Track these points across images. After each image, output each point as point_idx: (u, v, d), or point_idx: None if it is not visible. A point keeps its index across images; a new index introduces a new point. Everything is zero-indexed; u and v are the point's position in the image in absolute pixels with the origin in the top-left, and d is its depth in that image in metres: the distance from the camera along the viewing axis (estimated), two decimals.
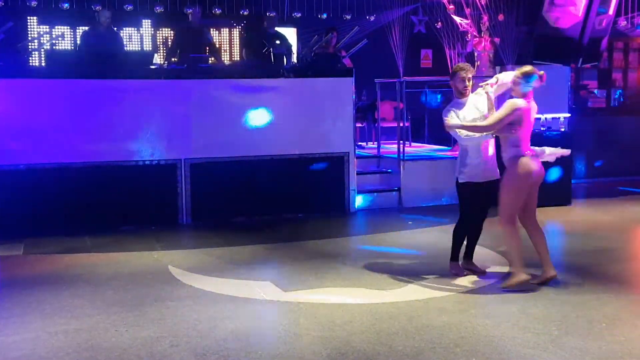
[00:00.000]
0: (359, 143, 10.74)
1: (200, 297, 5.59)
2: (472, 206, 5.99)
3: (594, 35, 9.48)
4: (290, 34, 11.88)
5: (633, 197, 10.35)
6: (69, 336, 4.70)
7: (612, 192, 10.77)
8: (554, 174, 9.40)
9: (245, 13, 11.69)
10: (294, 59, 10.16)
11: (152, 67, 9.07)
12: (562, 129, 9.80)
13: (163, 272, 6.33)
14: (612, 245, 7.24)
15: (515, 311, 5.18)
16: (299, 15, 12.07)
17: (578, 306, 5.25)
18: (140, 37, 11.79)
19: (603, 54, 10.72)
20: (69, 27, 11.45)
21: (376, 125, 11.09)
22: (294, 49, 10.66)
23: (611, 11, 10.30)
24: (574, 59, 9.34)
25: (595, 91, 13.19)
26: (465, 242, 6.16)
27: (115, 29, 9.79)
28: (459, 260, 6.14)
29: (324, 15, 12.06)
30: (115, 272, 6.33)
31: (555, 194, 9.45)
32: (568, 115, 9.96)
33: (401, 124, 9.86)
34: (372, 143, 11.38)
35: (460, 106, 5.92)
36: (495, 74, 10.41)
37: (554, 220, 8.63)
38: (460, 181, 5.99)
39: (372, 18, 12.08)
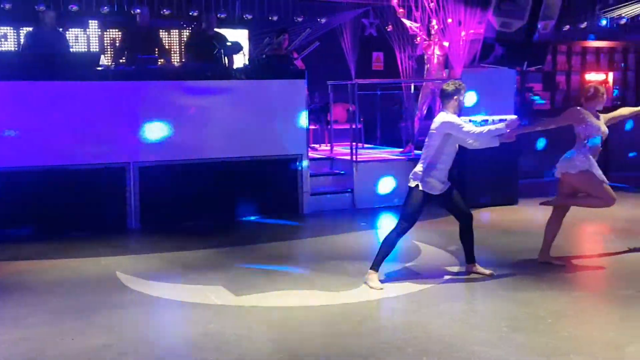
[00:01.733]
0: (312, 145, 10.75)
1: (150, 303, 5.50)
2: (417, 215, 5.87)
3: (538, 39, 9.68)
4: (241, 35, 11.83)
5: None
6: (13, 345, 4.56)
7: (557, 191, 10.99)
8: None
9: (195, 14, 11.57)
10: (246, 60, 10.11)
11: (99, 68, 8.90)
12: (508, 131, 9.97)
13: (111, 278, 6.21)
14: (556, 242, 7.39)
15: (464, 309, 5.25)
16: (250, 17, 12.02)
17: (525, 303, 5.35)
18: (86, 38, 11.57)
19: (547, 58, 10.97)
20: (11, 28, 11.16)
21: (329, 127, 11.12)
22: (246, 50, 10.60)
23: (555, 16, 10.56)
24: (519, 62, 9.52)
25: (537, 97, 13.47)
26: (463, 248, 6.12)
27: (60, 29, 9.59)
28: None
29: (275, 17, 12.03)
30: (61, 279, 6.18)
31: (502, 193, 9.64)
32: (514, 117, 10.14)
33: (354, 126, 9.90)
34: (325, 145, 11.40)
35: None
36: (445, 77, 10.64)
37: (501, 220, 8.78)
38: (420, 189, 5.80)
39: (324, 20, 12.11)
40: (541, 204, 6.79)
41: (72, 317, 5.14)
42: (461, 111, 6.03)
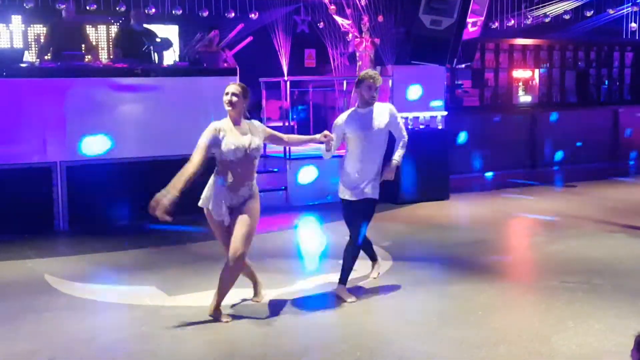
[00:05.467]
0: None
1: (80, 306, 5.37)
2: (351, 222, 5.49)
3: (467, 37, 9.89)
4: (171, 31, 11.64)
5: (507, 191, 10.92)
6: None
7: (486, 186, 11.32)
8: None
9: (122, 9, 11.32)
10: (176, 57, 9.95)
11: (24, 65, 8.60)
12: (440, 127, 10.19)
13: (38, 281, 6.01)
14: (486, 237, 7.60)
15: (397, 305, 5.33)
16: (179, 12, 11.83)
17: (455, 297, 5.47)
18: (9, 34, 11.18)
19: (476, 55, 11.22)
20: None
21: None
22: (176, 47, 10.43)
23: (484, 14, 10.81)
24: (449, 59, 9.71)
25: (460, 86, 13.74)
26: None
27: None
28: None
29: (206, 13, 11.88)
30: None
31: (433, 189, 9.82)
32: (445, 113, 10.36)
33: (286, 124, 9.89)
34: None
35: (358, 117, 5.37)
36: None
37: (432, 215, 8.95)
38: (376, 197, 5.43)
39: (255, 16, 12.03)
40: None
41: None
42: (366, 104, 5.36)
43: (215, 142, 4.84)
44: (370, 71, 5.57)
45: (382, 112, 5.42)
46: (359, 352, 4.37)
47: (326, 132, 5.32)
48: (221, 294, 4.95)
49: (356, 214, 5.38)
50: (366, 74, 5.43)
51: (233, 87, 4.94)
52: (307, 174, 9.73)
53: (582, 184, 11.19)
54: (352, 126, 5.38)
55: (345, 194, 5.41)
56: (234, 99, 4.87)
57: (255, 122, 5.07)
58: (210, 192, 4.93)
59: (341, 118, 5.46)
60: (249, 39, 10.13)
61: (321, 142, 5.37)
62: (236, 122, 4.91)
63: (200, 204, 5.00)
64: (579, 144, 13.43)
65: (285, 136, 5.46)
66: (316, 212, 9.07)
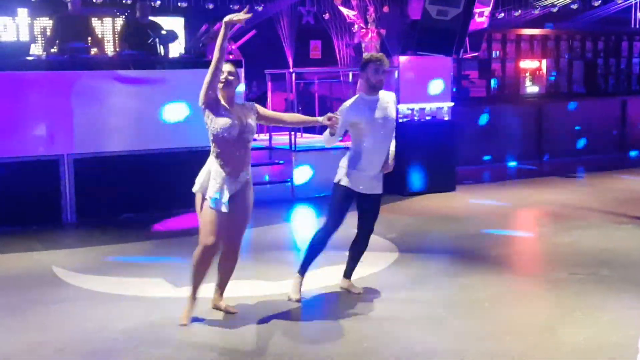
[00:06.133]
0: None
1: (88, 297, 5.39)
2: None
3: (474, 27, 9.86)
4: (177, 24, 11.63)
5: (514, 182, 10.89)
6: None
7: (493, 177, 11.28)
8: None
9: (129, 2, 11.32)
10: (182, 49, 9.94)
11: (30, 58, 8.61)
12: (446, 118, 10.15)
13: (46, 273, 6.04)
14: (493, 228, 7.58)
15: (403, 296, 5.33)
16: (185, 4, 11.82)
17: (462, 288, 5.47)
18: (16, 27, 11.18)
19: (482, 45, 11.19)
20: None
21: None
22: (182, 39, 10.43)
23: (490, 4, 10.77)
24: (455, 50, 9.68)
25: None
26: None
27: None
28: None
29: (211, 5, 11.87)
30: None
31: (440, 180, 9.79)
32: (451, 104, 10.33)
33: None
34: (263, 135, 11.34)
35: (364, 104, 5.17)
36: None
37: (439, 206, 8.93)
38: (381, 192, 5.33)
39: (261, 8, 12.02)
40: None
41: (4, 314, 4.99)
42: (373, 90, 5.14)
43: (212, 104, 4.66)
44: (376, 53, 5.31)
45: (389, 100, 5.23)
46: (366, 343, 4.38)
47: (330, 114, 5.03)
48: (223, 284, 4.96)
49: (359, 208, 5.24)
50: (372, 55, 5.18)
51: (228, 66, 4.80)
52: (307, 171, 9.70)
53: (590, 175, 11.15)
54: (359, 113, 5.11)
55: (346, 182, 5.15)
56: (230, 77, 4.74)
57: (248, 103, 4.91)
58: (206, 177, 4.77)
59: (346, 105, 5.20)
60: (253, 32, 10.11)
61: (324, 127, 5.03)
62: (230, 103, 4.75)
63: (195, 189, 4.85)
64: (577, 128, 13.25)
65: (284, 115, 5.27)
66: (322, 204, 9.06)
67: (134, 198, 8.47)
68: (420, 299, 5.25)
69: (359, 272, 5.67)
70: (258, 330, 4.63)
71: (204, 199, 4.79)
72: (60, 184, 8.14)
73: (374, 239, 6.95)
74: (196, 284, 4.80)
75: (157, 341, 4.46)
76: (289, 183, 9.59)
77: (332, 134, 4.98)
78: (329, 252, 6.55)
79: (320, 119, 5.05)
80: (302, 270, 5.26)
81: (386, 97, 5.24)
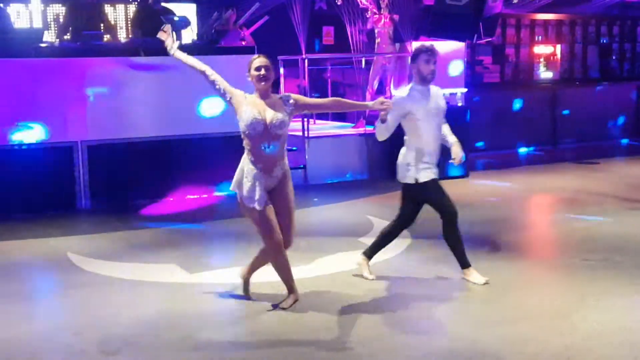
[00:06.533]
0: None
1: (103, 283, 5.44)
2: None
3: (488, 12, 9.78)
4: (189, 10, 11.60)
5: (528, 168, 10.83)
6: None
7: (506, 163, 11.22)
8: None
9: None
10: (194, 36, 9.94)
11: (43, 45, 8.64)
12: (459, 104, 10.10)
13: (61, 259, 6.09)
14: (506, 214, 7.57)
15: (417, 282, 5.34)
16: None
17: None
18: (29, 14, 11.18)
19: (497, 30, 11.09)
20: None
21: None
22: (194, 25, 10.41)
23: None
24: (469, 35, 9.61)
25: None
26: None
27: (1, 5, 9.25)
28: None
29: None
30: (8, 262, 6.05)
31: (452, 166, 9.72)
32: (465, 90, 10.27)
33: None
34: None
35: (418, 94, 5.08)
36: (395, 50, 10.67)
37: (451, 192, 8.87)
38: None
39: None
40: None
41: (21, 299, 5.04)
42: (424, 81, 5.08)
43: (235, 99, 4.60)
44: (426, 43, 5.19)
45: (437, 93, 5.19)
46: (378, 328, 4.39)
47: (382, 98, 4.93)
48: (255, 268, 4.91)
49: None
50: (422, 46, 5.06)
51: (263, 60, 4.64)
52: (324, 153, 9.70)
53: (604, 161, 11.07)
54: (415, 103, 5.03)
55: (426, 176, 5.11)
56: (266, 72, 4.58)
57: (284, 95, 4.73)
58: (241, 176, 4.62)
59: (401, 95, 5.11)
60: (265, 18, 10.08)
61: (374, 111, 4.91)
62: (264, 96, 4.63)
63: (231, 187, 4.71)
64: (592, 113, 13.09)
65: (326, 101, 5.02)
66: (335, 190, 9.08)
67: (147, 184, 8.51)
68: (433, 285, 5.26)
69: (373, 258, 5.68)
70: (272, 315, 4.65)
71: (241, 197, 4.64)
72: (75, 171, 8.20)
73: (386, 225, 6.95)
74: (287, 277, 4.72)
75: (172, 326, 4.49)
76: (303, 169, 9.60)
77: (383, 121, 4.88)
78: (341, 239, 6.55)
79: (370, 103, 4.88)
80: (465, 263, 5.23)
81: (434, 89, 5.21)
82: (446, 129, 5.34)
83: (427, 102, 5.09)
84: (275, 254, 4.66)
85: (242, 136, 4.64)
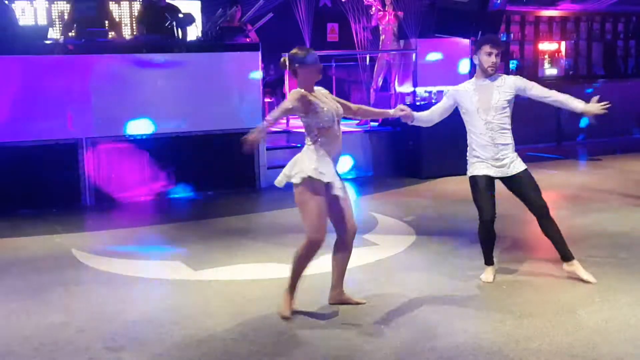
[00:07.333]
0: None
1: (107, 280, 5.44)
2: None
3: (492, 8, 9.76)
4: (194, 7, 11.60)
5: (532, 164, 10.74)
6: None
7: None
8: None
9: None
10: (199, 33, 9.93)
11: (48, 42, 8.65)
12: None
13: (66, 255, 6.11)
14: (510, 211, 7.53)
15: (421, 279, 5.34)
16: None
17: (480, 270, 5.43)
18: (34, 11, 11.22)
19: (501, 27, 11.07)
20: None
21: (284, 100, 11.01)
22: (198, 22, 10.41)
23: None
24: (474, 32, 9.59)
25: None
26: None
27: (6, 1, 9.27)
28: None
29: None
30: (13, 258, 6.07)
31: (457, 163, 9.64)
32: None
33: None
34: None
35: (475, 90, 5.00)
36: (399, 47, 10.65)
37: (456, 189, 8.89)
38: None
39: None
40: None
41: (26, 296, 5.05)
42: (485, 74, 4.94)
43: (306, 106, 4.52)
44: (489, 34, 4.98)
45: (503, 85, 4.94)
46: (383, 325, 4.39)
47: (401, 105, 4.82)
48: (341, 278, 4.73)
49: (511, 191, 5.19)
50: (483, 38, 4.87)
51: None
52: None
53: (608, 158, 11.04)
54: (467, 100, 4.93)
55: (471, 170, 5.16)
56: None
57: (317, 88, 4.72)
58: (317, 164, 4.42)
59: (456, 87, 5.01)
60: (270, 15, 10.07)
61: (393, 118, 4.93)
62: (311, 91, 4.62)
63: (310, 174, 4.42)
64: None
65: (353, 106, 4.87)
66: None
67: (153, 181, 8.53)
68: (438, 282, 5.25)
69: (377, 254, 5.69)
70: (276, 312, 4.65)
71: (308, 191, 4.47)
72: (79, 167, 8.21)
73: (391, 222, 6.98)
74: (296, 278, 4.59)
75: (176, 323, 4.50)
76: None
77: (411, 121, 4.92)
78: None
79: (391, 111, 4.91)
80: (488, 260, 5.21)
81: (501, 81, 5.00)
82: (561, 96, 5.20)
83: (480, 96, 4.91)
84: (310, 251, 4.51)
85: (314, 131, 4.50)
